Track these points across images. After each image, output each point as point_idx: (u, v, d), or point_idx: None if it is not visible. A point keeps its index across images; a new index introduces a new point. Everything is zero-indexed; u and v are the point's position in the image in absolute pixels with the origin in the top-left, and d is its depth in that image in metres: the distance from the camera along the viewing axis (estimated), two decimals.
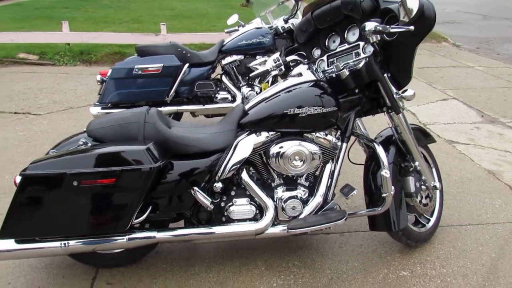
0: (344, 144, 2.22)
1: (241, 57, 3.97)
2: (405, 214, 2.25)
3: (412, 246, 2.45)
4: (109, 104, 3.66)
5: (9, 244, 1.92)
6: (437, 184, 2.41)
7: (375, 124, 3.35)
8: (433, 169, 2.57)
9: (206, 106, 3.91)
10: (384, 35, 1.98)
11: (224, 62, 3.98)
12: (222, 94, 3.94)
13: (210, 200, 2.07)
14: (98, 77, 3.71)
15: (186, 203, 2.09)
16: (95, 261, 2.26)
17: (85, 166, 1.83)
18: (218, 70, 4.11)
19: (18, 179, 1.83)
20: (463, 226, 2.68)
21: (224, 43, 4.00)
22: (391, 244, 2.49)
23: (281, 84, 2.19)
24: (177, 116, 4.01)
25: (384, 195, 2.12)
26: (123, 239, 2.01)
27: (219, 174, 2.09)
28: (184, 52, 3.79)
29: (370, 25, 1.90)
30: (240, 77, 3.99)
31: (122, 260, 2.29)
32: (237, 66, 3.98)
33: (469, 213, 2.83)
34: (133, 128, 2.02)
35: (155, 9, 13.30)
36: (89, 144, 2.02)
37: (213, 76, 4.08)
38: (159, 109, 3.62)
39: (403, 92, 2.18)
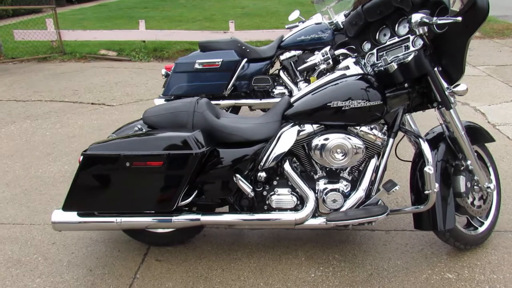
0: (391, 140, 2.19)
1: (299, 52, 4.01)
2: (453, 214, 2.16)
3: (462, 249, 2.34)
4: (172, 97, 3.88)
5: (72, 216, 2.15)
6: (492, 186, 2.28)
7: None
8: (490, 170, 2.43)
9: (263, 101, 4.00)
10: (433, 27, 1.92)
11: (282, 57, 4.04)
12: (279, 89, 4.01)
13: (251, 187, 2.15)
14: (163, 71, 3.95)
15: (229, 190, 2.19)
16: (147, 239, 2.45)
17: (137, 149, 2.01)
18: (278, 65, 4.19)
19: (81, 158, 2.05)
20: None
21: (283, 39, 4.06)
22: (439, 246, 2.40)
23: (327, 77, 2.21)
24: (235, 109, 4.15)
25: (427, 192, 2.06)
26: (170, 219, 2.16)
27: (262, 164, 2.16)
28: (243, 47, 3.91)
29: (416, 17, 1.86)
30: (297, 73, 4.02)
31: (171, 240, 2.45)
32: (295, 62, 4.02)
33: None
34: (183, 117, 2.16)
35: (227, 8, 13.72)
36: (144, 130, 2.19)
37: (271, 71, 4.15)
38: (218, 102, 3.84)
39: (454, 87, 2.09)
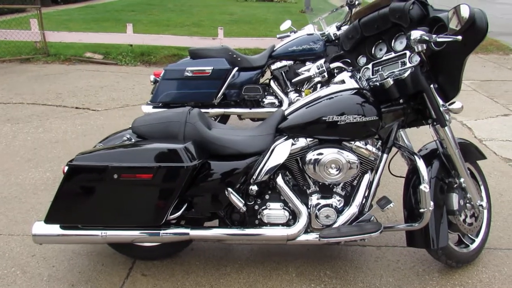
0: (385, 155, 2.16)
1: (290, 62, 3.99)
2: (446, 232, 2.14)
3: (453, 267, 2.32)
4: (160, 104, 3.80)
5: (54, 229, 2.05)
6: (484, 203, 2.27)
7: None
8: (482, 187, 2.43)
9: (253, 110, 3.95)
10: (431, 44, 1.91)
11: (273, 67, 4.01)
12: (269, 99, 3.97)
13: (243, 202, 2.09)
14: (152, 77, 3.88)
15: (220, 203, 2.13)
16: (132, 253, 2.36)
17: (126, 161, 1.93)
18: (268, 75, 4.15)
19: (66, 168, 1.96)
20: None
21: (274, 48, 4.03)
22: (431, 263, 2.38)
23: (322, 91, 2.17)
24: (224, 118, 4.09)
25: (422, 210, 2.03)
26: (158, 233, 2.08)
27: (254, 177, 2.11)
28: (234, 56, 3.87)
29: (415, 34, 1.84)
30: (288, 83, 4.00)
31: (158, 254, 2.37)
32: (286, 72, 3.99)
33: None
34: (174, 127, 2.10)
35: (215, 14, 13.68)
36: (133, 140, 2.12)
37: (262, 80, 4.11)
38: (207, 110, 3.78)
39: (450, 105, 2.08)
